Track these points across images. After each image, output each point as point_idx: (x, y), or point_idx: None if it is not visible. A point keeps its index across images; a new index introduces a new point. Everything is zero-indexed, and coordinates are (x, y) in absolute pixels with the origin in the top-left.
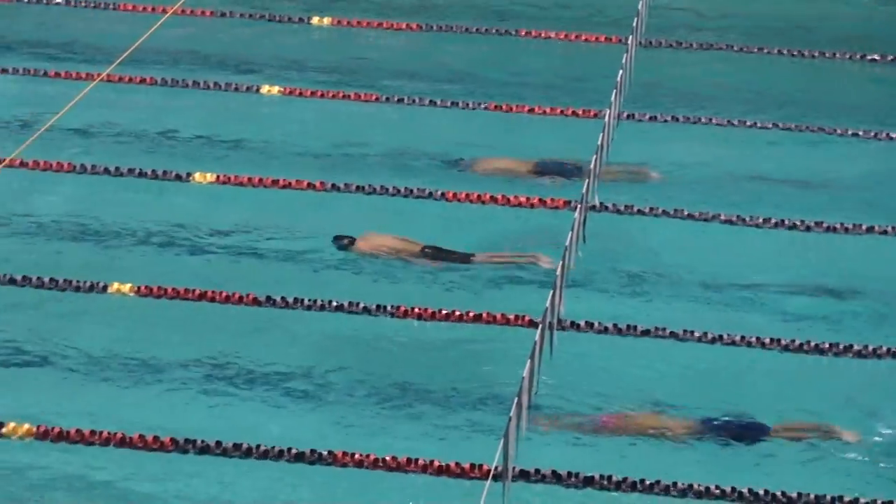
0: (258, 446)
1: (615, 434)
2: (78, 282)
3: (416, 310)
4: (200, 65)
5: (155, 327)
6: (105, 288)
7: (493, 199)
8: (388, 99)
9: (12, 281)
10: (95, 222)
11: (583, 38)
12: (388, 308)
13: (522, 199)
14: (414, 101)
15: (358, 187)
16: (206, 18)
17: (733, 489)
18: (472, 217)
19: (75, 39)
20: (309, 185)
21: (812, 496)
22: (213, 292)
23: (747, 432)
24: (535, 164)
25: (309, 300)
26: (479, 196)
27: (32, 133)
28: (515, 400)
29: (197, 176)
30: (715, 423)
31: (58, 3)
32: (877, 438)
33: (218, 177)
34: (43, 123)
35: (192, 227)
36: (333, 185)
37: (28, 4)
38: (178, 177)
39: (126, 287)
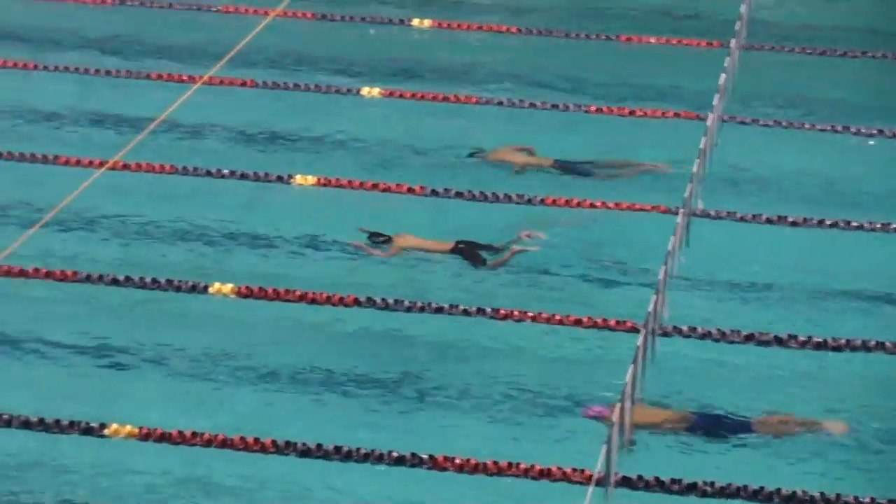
0: (357, 449)
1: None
2: (180, 282)
3: (516, 313)
4: (302, 67)
5: (255, 329)
6: (206, 289)
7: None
8: (488, 101)
9: (115, 282)
10: (198, 224)
11: (684, 42)
12: (488, 311)
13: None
14: (514, 103)
15: (458, 192)
16: (307, 21)
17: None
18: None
19: (179, 41)
20: (409, 189)
21: None
22: (314, 293)
23: (727, 427)
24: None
25: (409, 302)
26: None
27: (136, 135)
28: (618, 405)
29: (298, 178)
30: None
31: (161, 6)
32: None
33: (319, 179)
34: (146, 125)
35: (292, 229)
36: (433, 191)
37: (131, 7)
38: (280, 178)
39: (227, 288)
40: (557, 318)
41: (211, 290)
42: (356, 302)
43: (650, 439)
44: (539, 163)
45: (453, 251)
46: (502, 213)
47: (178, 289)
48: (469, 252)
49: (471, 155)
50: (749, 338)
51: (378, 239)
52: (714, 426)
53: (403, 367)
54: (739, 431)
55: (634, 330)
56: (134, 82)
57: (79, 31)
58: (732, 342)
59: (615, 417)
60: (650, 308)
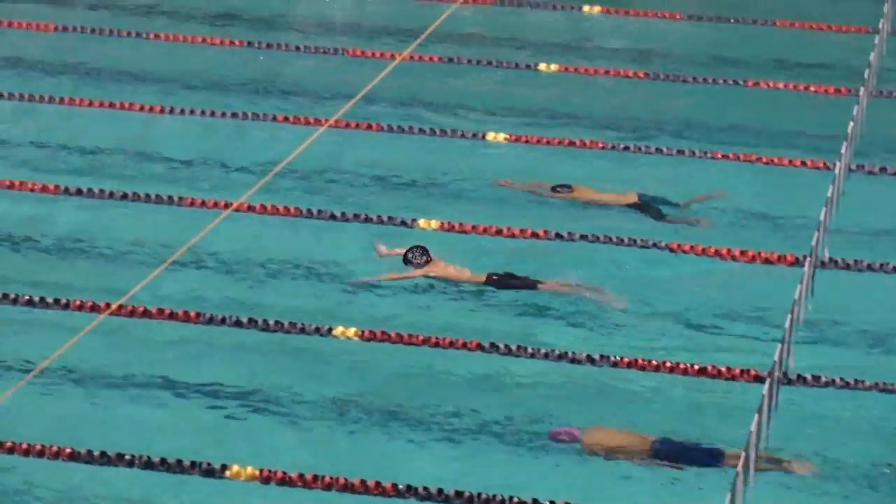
0: (511, 497)
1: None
2: (303, 325)
3: (640, 361)
4: (425, 109)
5: (378, 372)
6: (330, 331)
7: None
8: (613, 147)
9: (238, 323)
10: (320, 266)
11: (811, 88)
12: (612, 359)
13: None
14: (640, 149)
15: (582, 235)
16: (433, 64)
17: None
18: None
19: (305, 84)
20: (532, 233)
21: None
22: (436, 338)
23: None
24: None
25: (532, 349)
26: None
27: (262, 177)
28: (743, 454)
29: (421, 222)
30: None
31: (287, 49)
32: None
33: (442, 223)
34: (272, 168)
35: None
36: (557, 234)
37: (258, 49)
38: (404, 223)
39: (351, 331)
40: (682, 366)
41: (335, 332)
42: (479, 346)
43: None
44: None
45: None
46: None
47: (302, 331)
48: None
49: (553, 189)
50: (874, 387)
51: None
52: (676, 454)
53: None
54: (707, 463)
55: (759, 379)
56: (260, 124)
57: (204, 72)
58: (856, 390)
59: (740, 466)
60: (776, 357)
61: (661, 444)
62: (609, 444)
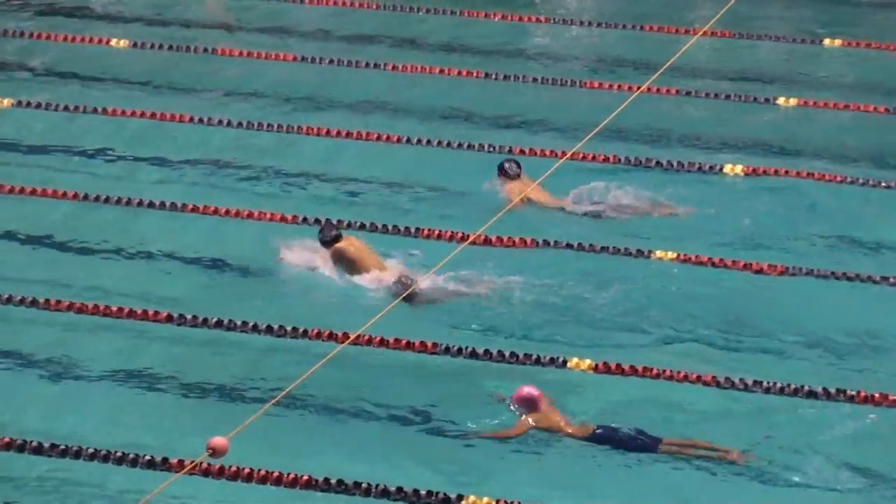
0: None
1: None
2: (538, 356)
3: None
4: (660, 142)
5: (617, 405)
6: (565, 363)
7: None
8: (852, 181)
9: (474, 354)
10: (556, 297)
11: None
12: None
13: None
14: (879, 183)
15: (820, 272)
16: (671, 97)
17: None
18: None
19: (543, 115)
20: (769, 266)
21: None
22: (670, 371)
23: (635, 444)
24: None
25: (767, 383)
26: None
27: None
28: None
29: (658, 253)
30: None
31: (525, 81)
32: None
33: (678, 255)
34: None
35: (655, 307)
36: (807, 270)
37: (495, 81)
38: (640, 252)
39: (585, 363)
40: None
41: (569, 364)
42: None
43: None
44: None
45: None
46: None
47: (537, 361)
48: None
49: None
50: None
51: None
52: (614, 441)
53: None
54: (643, 450)
55: None
56: (487, 156)
57: (438, 103)
58: None
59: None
60: None
61: (601, 430)
62: (552, 424)
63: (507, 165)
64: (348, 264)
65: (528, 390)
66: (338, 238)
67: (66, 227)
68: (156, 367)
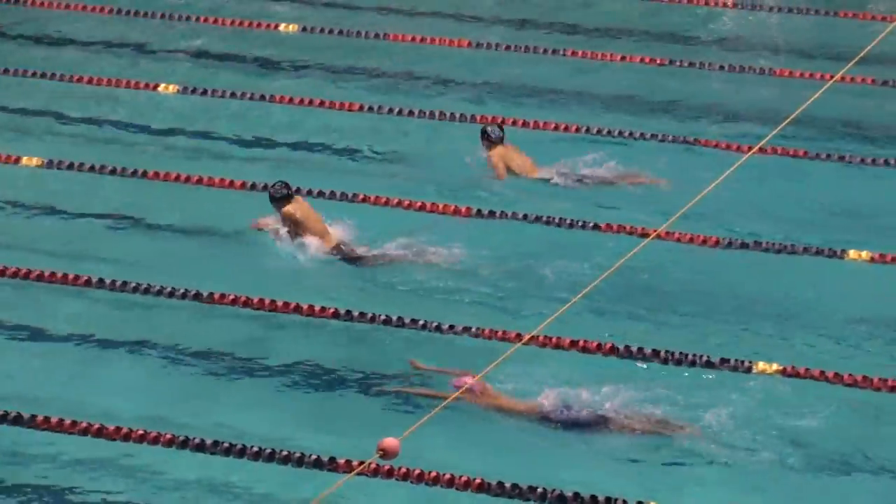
0: None
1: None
2: (723, 360)
3: None
4: (856, 136)
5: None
6: (749, 369)
7: None
8: None
9: (656, 353)
10: (749, 299)
11: None
12: None
13: None
14: None
15: None
16: (865, 86)
17: None
18: None
19: (723, 105)
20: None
21: None
22: (851, 375)
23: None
24: None
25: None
26: None
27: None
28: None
29: (851, 253)
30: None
31: (710, 68)
32: None
33: (872, 256)
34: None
35: (844, 307)
36: None
37: (680, 68)
38: (832, 252)
39: (772, 367)
40: None
41: (755, 369)
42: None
43: None
44: None
45: None
46: None
47: (727, 363)
48: None
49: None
50: None
51: None
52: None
53: None
54: (594, 425)
55: None
56: (675, 146)
57: (621, 92)
58: None
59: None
60: None
61: (550, 410)
62: (499, 403)
63: (489, 129)
64: (295, 225)
65: (467, 378)
66: (288, 197)
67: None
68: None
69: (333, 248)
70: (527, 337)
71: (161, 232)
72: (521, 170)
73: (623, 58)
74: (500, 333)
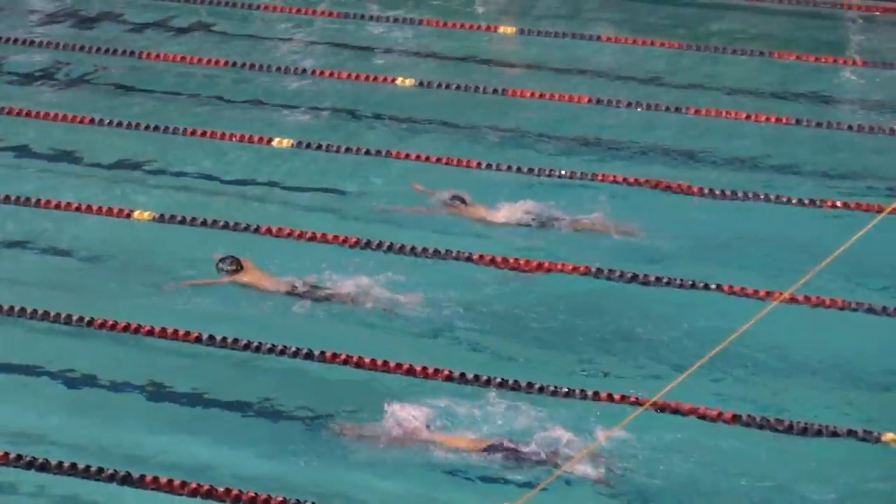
0: None
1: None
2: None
3: None
4: None
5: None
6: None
7: None
8: None
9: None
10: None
11: None
12: None
13: None
14: None
15: None
16: None
17: None
18: None
19: (853, 165)
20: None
21: None
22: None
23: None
24: None
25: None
26: None
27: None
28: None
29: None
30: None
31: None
32: None
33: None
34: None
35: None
36: None
37: (805, 128)
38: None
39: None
40: None
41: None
42: None
43: None
44: None
45: None
46: None
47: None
48: None
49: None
50: None
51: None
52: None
53: None
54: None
55: None
56: (811, 211)
57: (748, 150)
58: None
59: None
60: None
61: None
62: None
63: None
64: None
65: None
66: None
67: None
68: None
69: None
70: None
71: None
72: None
73: (748, 116)
74: None
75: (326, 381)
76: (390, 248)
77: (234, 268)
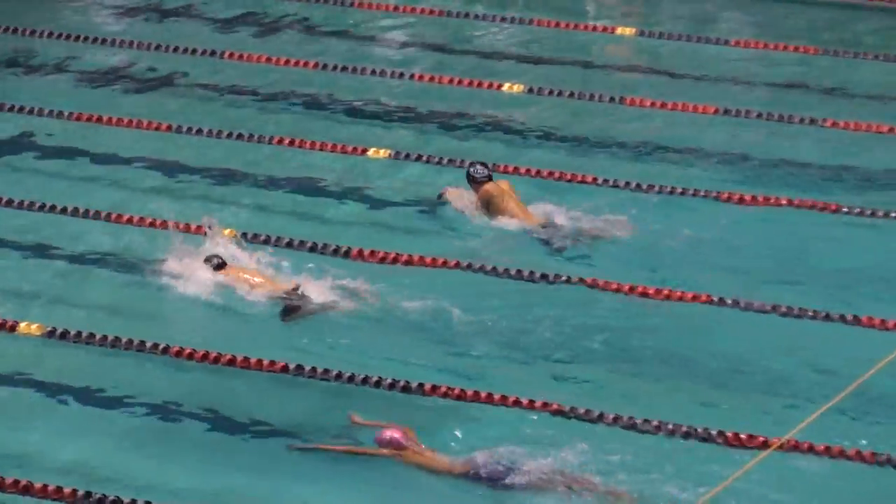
0: None
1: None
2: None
3: None
4: None
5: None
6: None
7: None
8: None
9: None
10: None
11: None
12: None
13: None
14: None
15: None
16: None
17: None
18: None
19: None
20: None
21: None
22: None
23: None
24: None
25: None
26: None
27: None
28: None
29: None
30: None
31: None
32: None
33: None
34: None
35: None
36: None
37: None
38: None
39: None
40: None
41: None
42: None
43: None
44: None
45: None
46: None
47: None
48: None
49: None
50: None
51: None
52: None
53: None
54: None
55: None
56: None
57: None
58: None
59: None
60: None
61: (479, 468)
62: (425, 460)
63: (471, 170)
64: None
65: (390, 434)
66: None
67: None
68: None
69: (287, 291)
70: None
71: None
72: (512, 214)
73: (891, 129)
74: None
75: None
76: None
77: (219, 261)
